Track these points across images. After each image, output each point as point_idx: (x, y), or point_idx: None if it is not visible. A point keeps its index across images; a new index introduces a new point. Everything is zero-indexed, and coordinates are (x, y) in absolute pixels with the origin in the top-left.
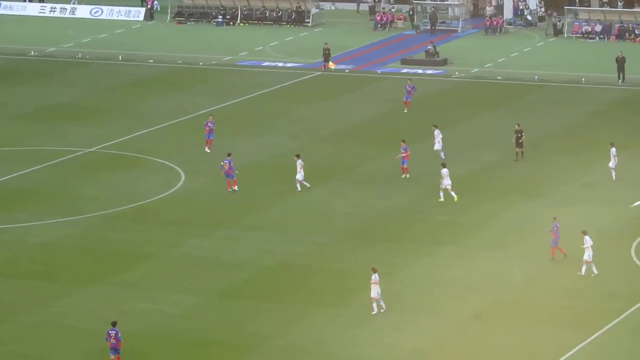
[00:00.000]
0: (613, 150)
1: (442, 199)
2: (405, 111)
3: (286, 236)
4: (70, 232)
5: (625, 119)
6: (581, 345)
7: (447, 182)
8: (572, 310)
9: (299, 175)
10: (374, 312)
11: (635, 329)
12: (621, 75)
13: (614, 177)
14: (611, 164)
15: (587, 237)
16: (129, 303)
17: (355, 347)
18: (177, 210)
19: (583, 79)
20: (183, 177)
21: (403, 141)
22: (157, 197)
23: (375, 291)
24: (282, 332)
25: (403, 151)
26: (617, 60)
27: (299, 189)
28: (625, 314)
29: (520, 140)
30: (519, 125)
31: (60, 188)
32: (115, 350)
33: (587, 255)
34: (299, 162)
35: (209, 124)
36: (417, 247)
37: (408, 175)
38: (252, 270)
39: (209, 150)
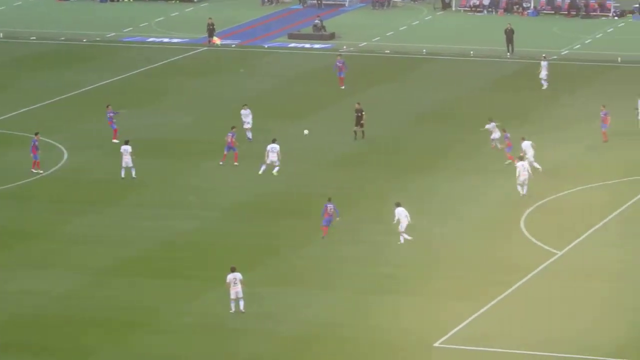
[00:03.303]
0: (492, 124)
1: None
2: (342, 88)
3: (175, 212)
4: None
5: (515, 91)
6: (473, 316)
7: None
8: (463, 281)
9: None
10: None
11: (526, 299)
12: (510, 48)
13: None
14: (495, 136)
15: (399, 209)
16: (12, 283)
17: (253, 323)
18: (60, 188)
19: (472, 52)
20: (66, 155)
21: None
22: (40, 176)
23: (234, 292)
24: (175, 309)
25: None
26: (505, 32)
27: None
28: (516, 285)
29: (362, 121)
30: (359, 104)
31: None
32: None
33: (402, 226)
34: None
35: (110, 113)
36: (311, 222)
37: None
38: (141, 247)
39: (116, 141)
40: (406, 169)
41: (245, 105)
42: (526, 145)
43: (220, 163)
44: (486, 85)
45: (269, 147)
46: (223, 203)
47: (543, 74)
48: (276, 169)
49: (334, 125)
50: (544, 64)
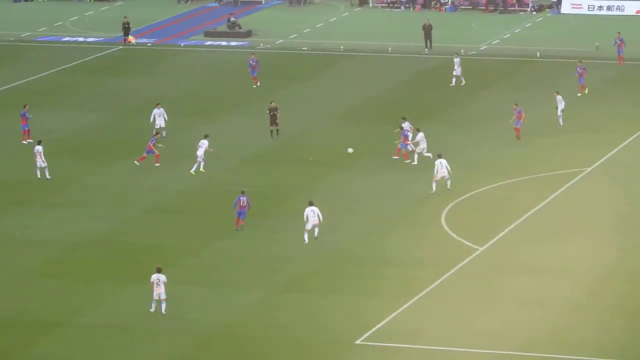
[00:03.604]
0: (406, 124)
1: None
2: (258, 85)
3: (92, 213)
4: None
5: (433, 87)
6: (394, 313)
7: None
8: (383, 278)
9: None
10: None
11: (447, 296)
12: (428, 44)
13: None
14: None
15: (309, 208)
16: None
17: (160, 324)
18: None
19: (389, 49)
20: None
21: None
22: None
23: (156, 292)
24: (89, 310)
25: None
26: (423, 27)
27: None
28: (437, 281)
29: (277, 120)
30: (274, 102)
31: None
32: None
33: (308, 224)
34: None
35: (25, 113)
36: (224, 219)
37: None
38: (57, 248)
39: (26, 142)
40: (323, 167)
41: (159, 104)
42: (420, 137)
43: (136, 163)
44: (404, 81)
45: (200, 142)
46: (137, 203)
47: (457, 70)
48: (195, 166)
49: (249, 124)
50: (456, 60)
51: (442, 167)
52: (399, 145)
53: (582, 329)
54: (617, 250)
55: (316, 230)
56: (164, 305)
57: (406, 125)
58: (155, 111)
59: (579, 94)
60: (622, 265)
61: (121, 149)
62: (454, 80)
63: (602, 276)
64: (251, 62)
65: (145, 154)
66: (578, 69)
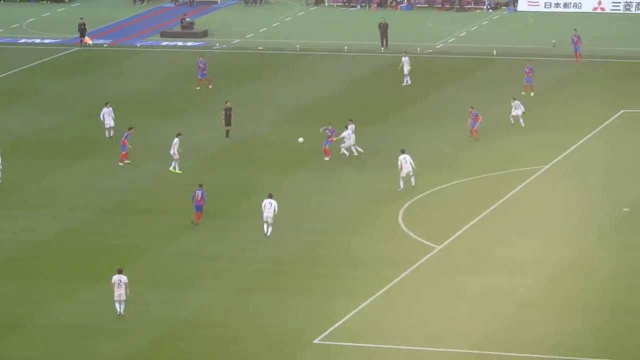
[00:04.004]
0: (351, 126)
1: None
2: (210, 87)
3: (49, 213)
4: None
5: (389, 86)
6: (352, 312)
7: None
8: (341, 277)
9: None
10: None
11: (405, 295)
12: (384, 42)
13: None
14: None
15: (270, 200)
16: None
17: (120, 324)
18: None
19: (345, 47)
20: None
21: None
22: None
23: (117, 293)
24: (46, 310)
25: None
26: (379, 26)
27: None
28: (395, 280)
29: (232, 120)
30: (229, 102)
31: None
32: None
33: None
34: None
35: None
36: (182, 220)
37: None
38: (14, 248)
39: None
40: (278, 166)
41: (108, 103)
42: (348, 132)
43: (121, 164)
44: (360, 80)
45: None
46: (95, 203)
47: (405, 69)
48: (174, 164)
49: (205, 123)
50: (405, 59)
51: (405, 162)
52: (325, 143)
53: (538, 326)
54: (573, 247)
55: (270, 227)
56: (122, 306)
57: (350, 127)
58: (105, 110)
59: (522, 93)
60: (577, 262)
61: (79, 150)
62: (406, 79)
63: (557, 274)
64: (199, 64)
65: (123, 152)
66: (526, 68)
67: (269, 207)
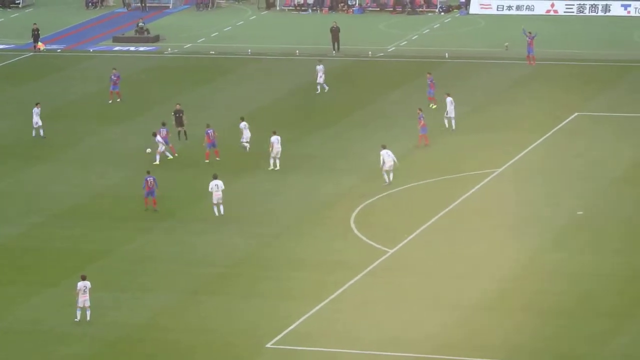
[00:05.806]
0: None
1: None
2: (118, 100)
3: (1, 218)
4: None
5: (340, 89)
6: (304, 316)
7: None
8: (293, 281)
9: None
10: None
11: (357, 299)
12: (336, 46)
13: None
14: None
15: (216, 182)
16: None
17: (75, 327)
18: None
19: (297, 51)
20: None
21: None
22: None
23: (82, 300)
24: (2, 315)
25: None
26: (331, 30)
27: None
28: (347, 284)
29: (184, 122)
30: (179, 105)
31: None
32: None
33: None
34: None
35: None
36: (135, 223)
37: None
38: None
39: None
40: (229, 169)
41: (38, 103)
42: (275, 139)
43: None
44: (312, 83)
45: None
46: (48, 207)
47: (320, 78)
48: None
49: (156, 127)
50: (319, 67)
51: (388, 157)
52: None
53: (494, 330)
54: (528, 250)
55: (221, 207)
56: (88, 313)
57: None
58: (35, 110)
59: (431, 106)
60: (533, 265)
61: (31, 155)
62: (318, 87)
63: (512, 277)
64: (112, 77)
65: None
66: (428, 80)
67: (217, 188)
